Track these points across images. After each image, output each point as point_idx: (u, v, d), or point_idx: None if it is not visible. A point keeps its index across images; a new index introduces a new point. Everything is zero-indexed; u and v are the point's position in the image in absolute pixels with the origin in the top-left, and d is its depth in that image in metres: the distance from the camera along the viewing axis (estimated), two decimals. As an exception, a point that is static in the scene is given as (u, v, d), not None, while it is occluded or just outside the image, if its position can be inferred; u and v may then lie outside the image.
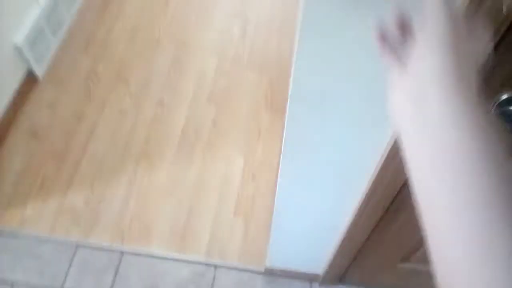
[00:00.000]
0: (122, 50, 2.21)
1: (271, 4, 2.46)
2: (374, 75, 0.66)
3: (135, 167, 1.88)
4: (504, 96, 0.72)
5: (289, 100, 0.73)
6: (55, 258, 1.67)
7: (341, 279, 1.63)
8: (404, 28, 0.42)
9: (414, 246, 1.33)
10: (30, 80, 2.05)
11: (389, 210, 1.10)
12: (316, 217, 1.24)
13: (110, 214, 1.77)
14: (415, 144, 0.36)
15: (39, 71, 2.08)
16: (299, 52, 0.63)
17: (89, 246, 1.70)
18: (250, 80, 2.16)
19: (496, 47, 0.63)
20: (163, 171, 1.88)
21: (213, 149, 1.95)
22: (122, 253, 1.69)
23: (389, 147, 0.85)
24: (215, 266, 1.68)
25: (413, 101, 0.37)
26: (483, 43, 0.40)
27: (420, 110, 0.36)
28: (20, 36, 1.92)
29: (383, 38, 0.42)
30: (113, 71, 2.14)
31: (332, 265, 1.50)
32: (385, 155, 0.88)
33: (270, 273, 1.67)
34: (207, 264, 1.68)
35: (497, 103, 0.73)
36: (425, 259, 1.28)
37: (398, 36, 0.42)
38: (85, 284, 1.62)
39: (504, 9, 0.59)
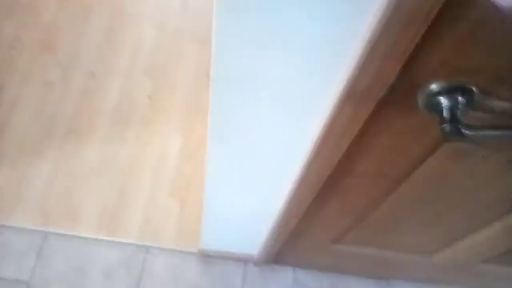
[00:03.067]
0: (49, 16, 2.03)
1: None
2: (308, 47, 0.62)
3: (62, 143, 1.75)
4: (433, 86, 0.71)
5: (211, 79, 0.68)
6: (-30, 241, 1.54)
7: (275, 259, 1.63)
8: None
9: (345, 228, 1.34)
10: None
11: (318, 196, 1.09)
12: (248, 200, 1.21)
13: (33, 193, 1.65)
14: None
15: (-47, 35, 1.87)
16: (219, 25, 0.57)
17: (10, 227, 1.58)
18: (191, 54, 2.06)
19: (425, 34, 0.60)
20: (93, 148, 1.77)
21: (149, 126, 1.86)
22: (45, 234, 1.58)
23: (321, 130, 0.82)
24: (147, 248, 1.62)
25: None
26: None
27: None
28: None
29: None
30: (39, 38, 1.97)
31: (266, 246, 1.49)
32: (314, 144, 0.85)
33: (204, 254, 1.63)
34: (137, 246, 1.62)
35: (425, 92, 0.71)
36: (357, 241, 1.29)
37: None
38: (5, 269, 1.51)
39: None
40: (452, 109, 0.67)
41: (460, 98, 0.67)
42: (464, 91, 0.67)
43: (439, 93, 0.69)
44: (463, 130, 0.65)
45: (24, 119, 1.78)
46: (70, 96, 1.86)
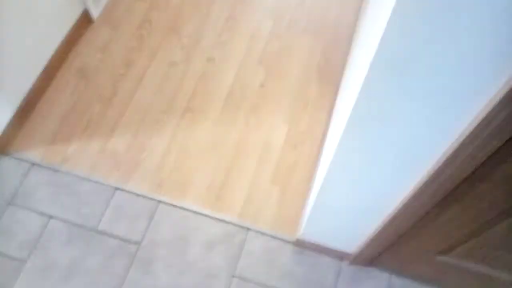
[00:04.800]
0: (179, 1, 2.17)
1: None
2: (478, 39, 0.60)
3: (179, 120, 1.87)
4: None
5: (369, 65, 0.68)
6: (92, 199, 1.70)
7: (372, 261, 1.60)
8: None
9: (458, 240, 1.28)
10: (84, 21, 2.05)
11: (443, 201, 1.05)
12: (363, 196, 1.20)
13: (150, 163, 1.78)
14: None
15: (95, 13, 2.07)
16: (395, 9, 0.57)
17: (127, 191, 1.72)
18: (304, 47, 2.09)
19: None
20: (206, 128, 1.86)
21: (258, 112, 1.91)
22: (158, 202, 1.70)
23: (462, 137, 0.79)
24: (247, 229, 1.67)
25: None
26: None
27: None
28: (81, -27, 1.90)
29: None
30: (167, 21, 2.11)
31: (368, 246, 1.46)
32: (456, 144, 0.82)
33: (300, 245, 1.65)
34: (239, 226, 1.68)
35: None
36: (466, 255, 1.22)
37: None
38: (118, 227, 1.66)
39: None
40: None
41: None
42: None
43: None
44: None
45: (147, 94, 1.93)
46: (190, 76, 1.97)
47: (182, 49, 2.04)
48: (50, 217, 1.66)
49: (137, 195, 1.72)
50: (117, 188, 1.72)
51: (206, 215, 1.69)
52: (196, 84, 1.96)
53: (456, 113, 0.75)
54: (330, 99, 1.96)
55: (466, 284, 1.52)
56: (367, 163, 0.98)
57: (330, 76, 2.01)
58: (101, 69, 1.98)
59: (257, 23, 2.14)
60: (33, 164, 1.75)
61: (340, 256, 1.64)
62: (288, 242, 1.67)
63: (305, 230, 1.56)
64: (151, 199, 1.71)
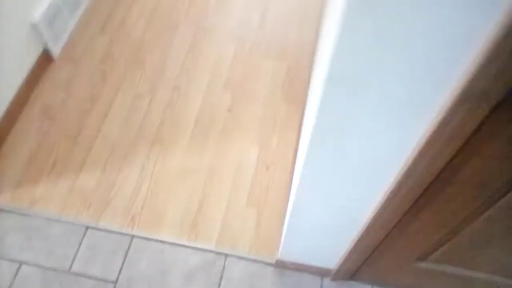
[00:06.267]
0: (139, 32, 2.18)
1: (291, -7, 2.41)
2: (429, 52, 0.62)
3: (148, 152, 1.85)
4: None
5: (324, 82, 0.70)
6: (64, 240, 1.65)
7: (353, 276, 1.60)
8: None
9: (432, 245, 1.30)
10: (45, 59, 2.03)
11: (414, 207, 1.07)
12: (335, 211, 1.21)
13: (121, 197, 1.74)
14: None
15: (55, 51, 2.05)
16: (345, 26, 0.59)
17: (99, 228, 1.68)
18: (268, 69, 2.12)
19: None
20: (176, 157, 1.85)
21: (227, 137, 1.92)
22: (132, 237, 1.67)
23: (423, 141, 0.82)
24: (226, 255, 1.65)
25: None
26: None
27: None
28: (37, 13, 1.89)
29: None
30: (130, 53, 2.11)
31: (346, 261, 1.47)
32: (418, 150, 0.84)
33: (281, 266, 1.64)
34: (217, 253, 1.65)
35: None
36: (443, 259, 1.24)
37: None
38: (93, 267, 1.61)
39: None
40: None
41: None
42: None
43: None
44: None
45: (114, 128, 1.90)
46: (157, 107, 1.97)
47: (146, 81, 2.04)
48: (21, 263, 1.60)
49: (110, 231, 1.68)
50: (89, 227, 1.68)
51: (183, 245, 1.66)
52: (163, 114, 1.96)
53: (411, 122, 0.77)
54: (298, 118, 1.98)
55: (449, 287, 1.54)
56: (333, 178, 0.99)
57: (296, 96, 2.04)
58: (65, 107, 1.95)
59: (219, 49, 2.16)
60: (0, 209, 1.70)
61: (321, 273, 1.64)
62: (268, 264, 1.66)
63: (284, 250, 1.56)
64: (125, 234, 1.67)
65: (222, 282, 1.60)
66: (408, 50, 0.62)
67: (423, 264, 1.42)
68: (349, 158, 0.90)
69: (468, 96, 0.66)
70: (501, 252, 1.25)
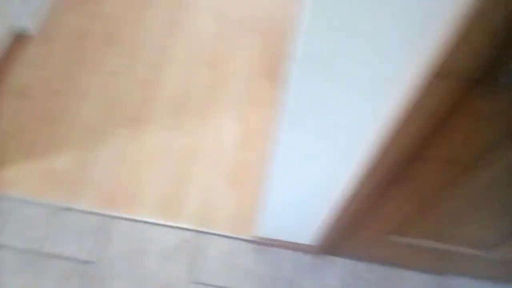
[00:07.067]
0: (116, 8, 2.13)
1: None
2: (396, 31, 0.60)
3: (126, 131, 1.82)
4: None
5: (293, 63, 0.68)
6: (38, 222, 1.63)
7: (330, 250, 1.59)
8: None
9: (405, 218, 1.28)
10: (20, 38, 1.98)
11: (385, 179, 1.05)
12: (311, 188, 1.19)
13: (97, 178, 1.72)
14: None
15: (31, 29, 2.00)
16: (313, 8, 0.57)
17: (75, 209, 1.66)
18: (247, 45, 2.07)
19: None
20: (154, 136, 1.82)
21: (207, 115, 1.89)
22: (108, 217, 1.65)
23: (394, 118, 0.79)
24: (204, 233, 1.64)
25: None
26: None
27: None
28: (7, -10, 1.83)
29: None
30: (106, 30, 2.06)
31: (322, 235, 1.46)
32: (389, 127, 0.82)
33: (260, 243, 1.63)
34: (196, 231, 1.64)
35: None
36: (419, 234, 1.23)
37: None
38: (69, 249, 1.59)
39: None
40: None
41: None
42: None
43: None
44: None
45: (91, 107, 1.87)
46: (134, 85, 1.93)
47: (123, 58, 1.99)
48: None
49: (86, 212, 1.66)
50: (63, 208, 1.66)
51: (160, 225, 1.65)
52: (141, 92, 1.92)
53: (380, 100, 0.75)
54: (276, 93, 1.94)
55: (420, 261, 1.53)
56: (308, 154, 0.98)
57: (275, 72, 2.00)
58: (40, 86, 1.91)
59: (198, 25, 2.11)
60: (-27, 192, 1.67)
61: (300, 248, 1.63)
62: (248, 241, 1.64)
63: (262, 227, 1.55)
64: (101, 215, 1.65)
65: (199, 260, 1.59)
66: (374, 28, 0.60)
67: (396, 238, 1.42)
68: (323, 134, 0.89)
69: (443, 73, 0.64)
70: (471, 225, 1.24)
